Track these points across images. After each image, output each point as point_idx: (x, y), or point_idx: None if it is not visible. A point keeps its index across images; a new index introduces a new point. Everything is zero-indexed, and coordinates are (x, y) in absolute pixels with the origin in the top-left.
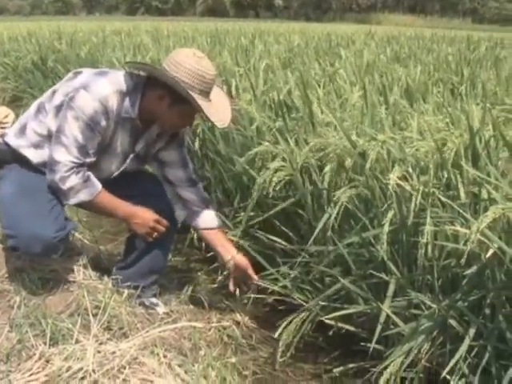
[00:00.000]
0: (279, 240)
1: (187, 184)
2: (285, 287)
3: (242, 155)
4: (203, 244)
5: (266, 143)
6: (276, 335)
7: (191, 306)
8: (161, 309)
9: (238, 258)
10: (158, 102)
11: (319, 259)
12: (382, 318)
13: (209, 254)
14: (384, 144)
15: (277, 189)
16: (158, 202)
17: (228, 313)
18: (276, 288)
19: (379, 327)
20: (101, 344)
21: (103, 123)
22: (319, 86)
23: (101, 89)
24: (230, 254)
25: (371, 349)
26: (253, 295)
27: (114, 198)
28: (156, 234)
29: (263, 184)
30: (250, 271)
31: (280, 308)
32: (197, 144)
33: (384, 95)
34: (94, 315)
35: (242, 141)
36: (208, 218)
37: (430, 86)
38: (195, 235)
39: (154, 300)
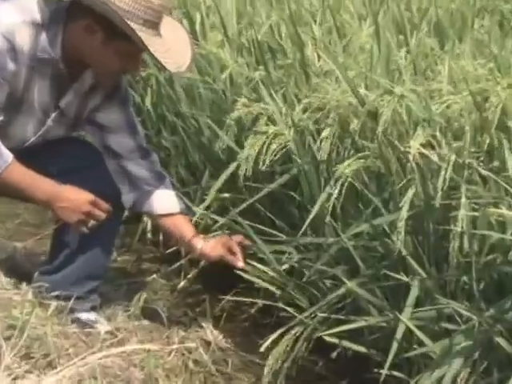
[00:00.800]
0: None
1: (136, 155)
2: (271, 295)
3: (213, 118)
4: (160, 237)
5: (243, 100)
6: (260, 360)
7: (144, 322)
8: (102, 327)
9: (213, 244)
10: (87, 37)
11: (316, 255)
12: (401, 334)
13: (168, 251)
14: (403, 99)
15: (270, 160)
16: (96, 181)
17: (194, 330)
18: (257, 300)
19: (397, 346)
20: (15, 379)
21: (10, 67)
22: (315, 21)
23: (4, 18)
24: (201, 241)
25: (388, 377)
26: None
27: (31, 173)
28: (93, 222)
29: (248, 156)
30: (236, 254)
31: (264, 322)
32: (149, 101)
33: (404, 33)
34: (7, 338)
35: (210, 97)
36: (166, 201)
37: (470, 17)
38: (149, 225)
39: (92, 315)
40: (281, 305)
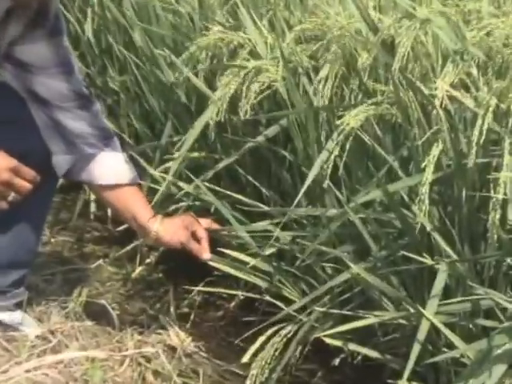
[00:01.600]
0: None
1: (73, 104)
2: (255, 285)
3: (176, 51)
4: (109, 212)
5: (217, 27)
6: (240, 369)
7: (87, 323)
8: (31, 330)
9: (173, 226)
10: None
11: (313, 232)
12: (425, 333)
13: (119, 229)
14: (427, 25)
15: (252, 106)
16: (18, 139)
17: (154, 332)
18: (236, 292)
19: (419, 350)
20: None
21: None
22: None
23: None
24: (157, 223)
25: None
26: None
27: None
28: (15, 195)
29: (222, 98)
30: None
31: (246, 320)
32: (89, 28)
33: None
34: None
35: (172, 22)
36: (111, 168)
37: None
38: (92, 197)
39: (17, 315)
40: (267, 298)
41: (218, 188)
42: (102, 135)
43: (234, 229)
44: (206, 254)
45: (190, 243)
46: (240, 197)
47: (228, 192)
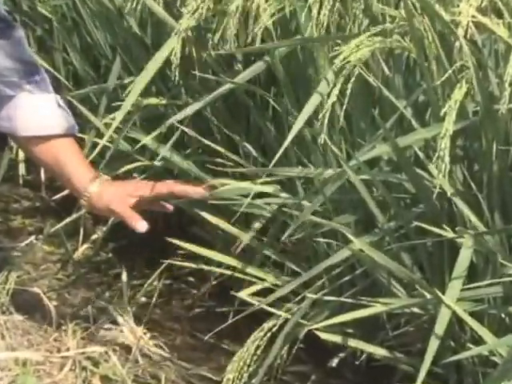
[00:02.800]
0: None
1: None
2: (230, 267)
3: None
4: (43, 175)
5: None
6: (212, 373)
7: (17, 317)
8: None
9: (117, 191)
10: None
11: (303, 198)
12: (445, 325)
13: (56, 197)
14: None
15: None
16: None
17: (103, 327)
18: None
19: (437, 346)
20: None
21: None
22: None
23: None
24: (96, 184)
25: None
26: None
27: None
28: None
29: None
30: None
31: (220, 311)
32: None
33: None
34: None
35: None
36: (39, 114)
37: None
38: (21, 155)
39: None
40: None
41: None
42: (27, 70)
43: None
44: (138, 224)
45: (131, 217)
46: (211, 155)
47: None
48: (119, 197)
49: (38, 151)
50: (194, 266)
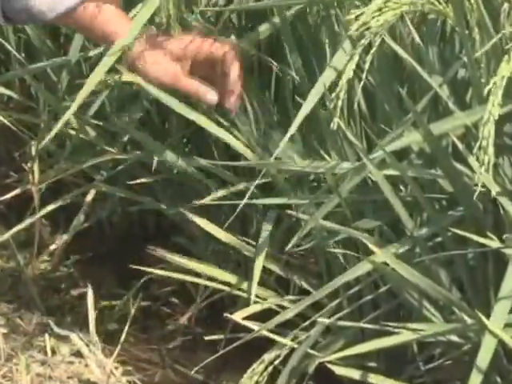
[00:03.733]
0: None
1: None
2: (222, 284)
3: None
4: None
5: None
6: None
7: None
8: None
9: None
10: None
11: (314, 199)
12: (490, 355)
13: (3, 198)
14: None
15: None
16: None
17: (63, 360)
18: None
19: (479, 381)
20: None
21: None
22: None
23: None
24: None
25: None
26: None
27: None
28: None
29: None
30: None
31: (209, 339)
32: None
33: None
34: None
35: None
36: None
37: None
38: None
39: None
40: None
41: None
42: None
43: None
44: (209, 94)
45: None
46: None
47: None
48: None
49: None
50: (178, 279)
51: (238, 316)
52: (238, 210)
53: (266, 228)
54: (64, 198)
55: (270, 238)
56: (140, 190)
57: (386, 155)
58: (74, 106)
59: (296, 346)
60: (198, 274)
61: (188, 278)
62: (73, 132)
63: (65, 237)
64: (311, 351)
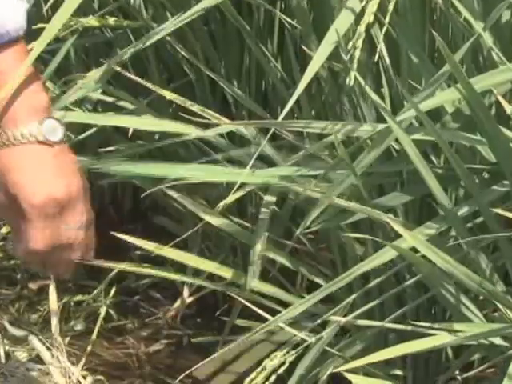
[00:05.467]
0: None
1: None
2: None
3: None
4: None
5: None
6: None
7: None
8: None
9: None
10: None
11: (326, 171)
12: None
13: None
14: None
15: None
16: None
17: (20, 367)
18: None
19: None
20: None
21: None
22: None
23: None
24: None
25: None
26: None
27: None
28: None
29: None
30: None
31: (198, 341)
32: None
33: None
34: None
35: None
36: None
37: None
38: None
39: None
40: (239, 299)
41: (143, 82)
42: None
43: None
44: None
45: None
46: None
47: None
48: None
49: None
50: (159, 273)
51: (233, 315)
52: (236, 186)
53: (267, 208)
54: None
55: (272, 221)
56: (113, 160)
57: (415, 116)
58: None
59: (305, 350)
60: (183, 266)
61: (168, 275)
62: None
63: None
64: (323, 357)
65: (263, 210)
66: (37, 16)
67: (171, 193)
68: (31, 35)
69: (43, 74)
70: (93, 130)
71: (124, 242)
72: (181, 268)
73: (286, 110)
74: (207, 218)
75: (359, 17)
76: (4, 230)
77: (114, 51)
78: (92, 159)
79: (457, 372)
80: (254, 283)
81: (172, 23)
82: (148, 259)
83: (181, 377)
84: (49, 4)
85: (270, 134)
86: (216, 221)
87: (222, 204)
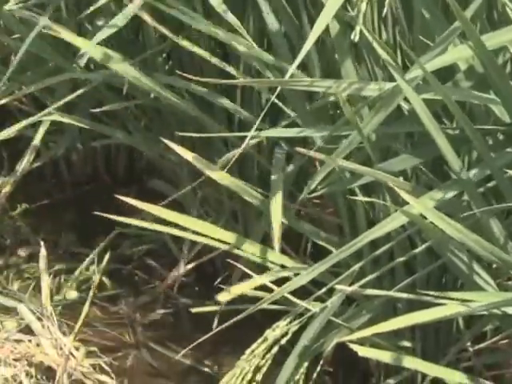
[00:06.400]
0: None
1: None
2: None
3: None
4: None
5: None
6: None
7: None
8: None
9: None
10: None
11: (331, 131)
12: None
13: None
14: None
15: None
16: None
17: (11, 338)
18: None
19: None
20: None
21: None
22: None
23: None
24: None
25: None
26: None
27: None
28: None
29: None
30: None
31: (197, 312)
32: None
33: None
34: None
35: None
36: None
37: None
38: None
39: None
40: (238, 265)
41: None
42: None
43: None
44: None
45: None
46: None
47: None
48: None
49: None
50: (156, 235)
51: (235, 284)
52: (243, 145)
53: (278, 166)
54: (8, 131)
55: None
56: (107, 121)
57: (425, 75)
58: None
59: (308, 320)
60: (182, 230)
61: (170, 230)
62: (19, 44)
63: (10, 180)
64: (327, 327)
65: (275, 167)
66: None
67: (172, 145)
68: None
69: None
70: (86, 88)
71: (118, 206)
72: (178, 238)
73: (295, 64)
74: (208, 172)
75: None
76: None
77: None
78: (85, 120)
79: (468, 343)
80: (256, 249)
81: None
82: (142, 227)
83: (183, 352)
84: None
85: (277, 91)
86: (217, 176)
87: (223, 159)
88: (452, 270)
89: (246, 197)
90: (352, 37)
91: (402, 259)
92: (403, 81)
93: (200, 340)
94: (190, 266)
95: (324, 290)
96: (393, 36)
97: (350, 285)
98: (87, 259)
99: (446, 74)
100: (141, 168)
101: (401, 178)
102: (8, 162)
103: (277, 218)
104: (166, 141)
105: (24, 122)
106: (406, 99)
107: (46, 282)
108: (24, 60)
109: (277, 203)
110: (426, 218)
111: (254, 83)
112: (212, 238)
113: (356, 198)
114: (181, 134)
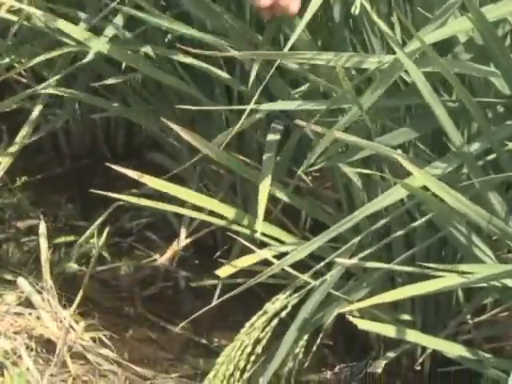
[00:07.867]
0: None
1: None
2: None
3: None
4: None
5: None
6: (187, 380)
7: None
8: None
9: None
10: None
11: (330, 104)
12: None
13: None
14: None
15: None
16: None
17: (10, 312)
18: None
19: None
20: None
21: None
22: None
23: None
24: None
25: None
26: None
27: None
28: None
29: None
30: None
31: (197, 286)
32: None
33: None
34: None
35: None
36: None
37: None
38: None
39: None
40: (238, 239)
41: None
42: None
43: None
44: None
45: None
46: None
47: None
48: None
49: None
50: (156, 209)
51: (234, 259)
52: (243, 118)
53: (272, 142)
54: (7, 103)
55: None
56: (106, 94)
57: (425, 47)
58: None
59: (308, 293)
60: (181, 203)
61: (169, 208)
62: (15, 18)
63: (9, 152)
64: (327, 300)
65: (269, 144)
66: None
67: (170, 124)
68: None
69: None
70: (86, 59)
71: (117, 179)
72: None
73: (294, 38)
74: (206, 151)
75: None
76: None
77: None
78: (84, 93)
79: (468, 316)
80: (255, 224)
81: None
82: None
83: (182, 324)
84: None
85: (275, 65)
86: (215, 155)
87: (221, 135)
88: (452, 242)
89: (243, 174)
90: (352, 10)
91: (400, 233)
92: (402, 53)
93: (199, 313)
94: (189, 240)
95: (323, 263)
96: (389, 10)
97: (349, 258)
98: (87, 232)
99: (446, 46)
100: (140, 141)
101: (399, 151)
102: (7, 134)
103: (263, 193)
104: (164, 120)
105: (22, 95)
106: (406, 73)
107: (45, 255)
108: (23, 32)
109: (265, 178)
110: (427, 190)
111: (253, 55)
112: (211, 212)
113: (357, 169)
114: (180, 107)
